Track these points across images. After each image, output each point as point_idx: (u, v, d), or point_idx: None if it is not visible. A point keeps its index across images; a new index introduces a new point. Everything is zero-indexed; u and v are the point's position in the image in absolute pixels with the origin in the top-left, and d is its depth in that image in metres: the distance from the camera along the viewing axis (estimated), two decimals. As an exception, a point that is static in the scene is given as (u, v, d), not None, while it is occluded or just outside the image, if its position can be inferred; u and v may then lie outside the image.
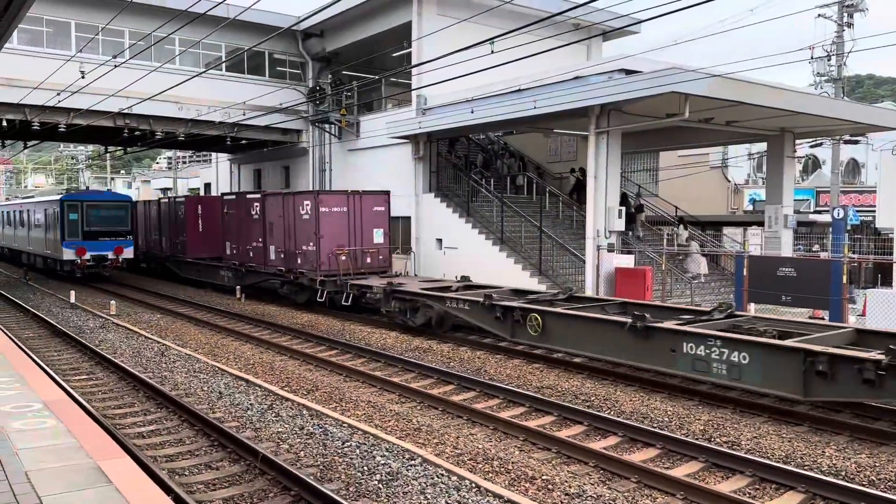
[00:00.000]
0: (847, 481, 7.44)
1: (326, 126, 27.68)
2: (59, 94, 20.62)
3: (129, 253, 28.50)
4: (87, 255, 27.26)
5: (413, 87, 22.73)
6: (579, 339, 12.12)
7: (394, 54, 25.46)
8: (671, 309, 12.97)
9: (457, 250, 21.44)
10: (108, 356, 13.21)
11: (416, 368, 12.80)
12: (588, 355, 12.54)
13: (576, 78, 17.84)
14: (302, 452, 8.21)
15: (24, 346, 12.88)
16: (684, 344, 10.35)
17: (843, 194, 28.63)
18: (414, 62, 22.55)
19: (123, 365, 12.41)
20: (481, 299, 14.08)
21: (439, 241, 22.35)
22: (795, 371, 9.17)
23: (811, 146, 28.33)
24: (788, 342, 9.60)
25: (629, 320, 11.08)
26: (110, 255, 27.73)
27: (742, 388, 10.12)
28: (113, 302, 20.37)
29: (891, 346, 8.50)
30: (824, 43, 25.59)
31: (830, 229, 22.65)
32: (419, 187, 23.20)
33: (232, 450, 8.20)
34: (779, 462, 7.99)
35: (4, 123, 24.11)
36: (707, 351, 10.04)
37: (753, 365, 9.55)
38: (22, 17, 11.98)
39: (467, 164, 25.50)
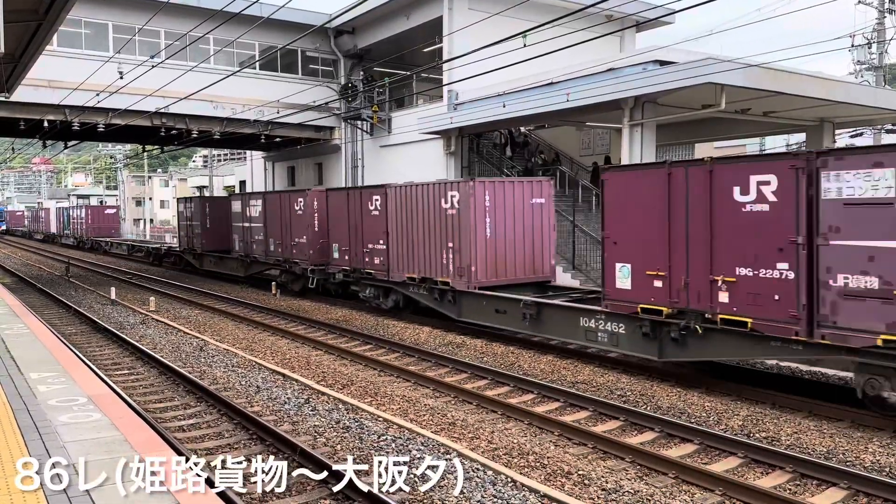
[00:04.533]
0: (891, 478, 7.28)
1: (358, 123, 27.81)
2: (97, 95, 21.04)
3: (3, 228, 77.65)
4: None
5: (444, 82, 22.74)
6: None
7: (425, 50, 25.46)
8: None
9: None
10: (149, 351, 13.48)
11: (450, 363, 12.83)
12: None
13: (609, 70, 17.65)
14: (339, 446, 8.30)
15: (67, 342, 13.19)
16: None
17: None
18: (445, 57, 22.53)
19: (164, 360, 12.65)
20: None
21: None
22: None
23: (851, 136, 27.63)
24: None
25: None
26: None
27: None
28: (152, 298, 20.77)
29: None
30: (865, 30, 24.98)
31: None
32: (451, 182, 23.19)
33: (270, 443, 8.32)
34: (820, 458, 7.85)
35: (46, 124, 24.71)
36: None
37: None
38: (62, 20, 12.28)
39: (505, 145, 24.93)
